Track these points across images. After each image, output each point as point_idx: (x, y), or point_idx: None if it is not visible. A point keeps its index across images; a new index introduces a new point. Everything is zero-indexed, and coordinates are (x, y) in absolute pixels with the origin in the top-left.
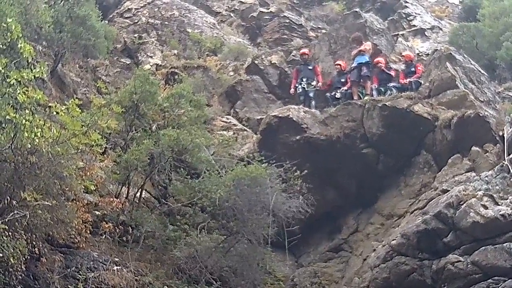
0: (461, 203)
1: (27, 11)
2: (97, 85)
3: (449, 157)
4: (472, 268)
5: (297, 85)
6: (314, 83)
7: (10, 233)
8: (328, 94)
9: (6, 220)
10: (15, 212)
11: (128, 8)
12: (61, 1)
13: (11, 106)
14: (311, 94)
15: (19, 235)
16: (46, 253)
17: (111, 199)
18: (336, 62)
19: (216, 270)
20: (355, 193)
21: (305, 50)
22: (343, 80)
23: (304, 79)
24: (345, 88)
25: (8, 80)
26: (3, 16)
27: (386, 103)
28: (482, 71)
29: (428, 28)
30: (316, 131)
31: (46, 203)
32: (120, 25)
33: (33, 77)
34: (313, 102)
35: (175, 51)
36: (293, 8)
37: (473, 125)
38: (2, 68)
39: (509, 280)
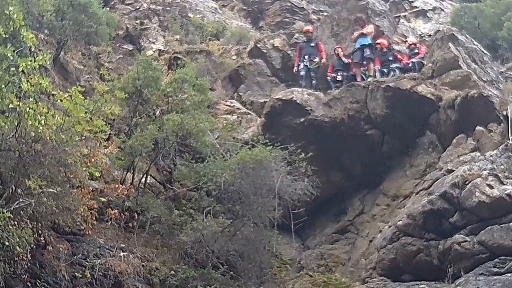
0: (466, 183)
1: (28, 0)
2: (100, 72)
3: (454, 137)
4: (479, 247)
5: (299, 62)
6: (316, 59)
7: (15, 222)
8: (328, 77)
9: (12, 208)
10: (20, 200)
11: None
12: None
13: (14, 95)
14: (312, 74)
15: (25, 223)
16: (52, 241)
17: (116, 186)
18: (336, 47)
19: (223, 254)
20: (360, 175)
21: (309, 28)
22: (344, 62)
23: (306, 57)
24: (345, 74)
25: (12, 69)
26: (5, 5)
27: (390, 84)
28: (485, 51)
29: (429, 9)
30: (320, 113)
31: (51, 190)
32: (121, 12)
33: (37, 66)
34: (314, 82)
35: (177, 36)
36: None
37: (477, 105)
38: (10, 55)
39: None
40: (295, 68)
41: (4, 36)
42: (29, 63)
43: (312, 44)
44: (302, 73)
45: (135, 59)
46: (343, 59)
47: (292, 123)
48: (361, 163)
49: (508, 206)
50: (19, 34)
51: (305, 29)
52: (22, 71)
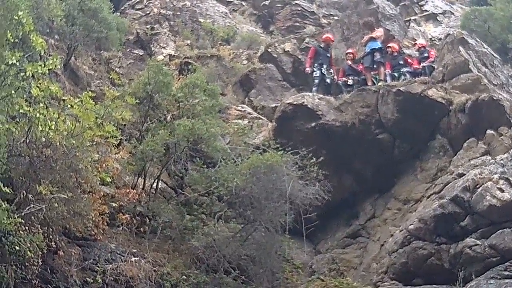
0: (477, 187)
1: (38, 5)
2: (111, 77)
3: (464, 141)
4: (490, 251)
5: (315, 69)
6: (332, 70)
7: (27, 227)
8: (340, 81)
9: (23, 214)
10: (32, 206)
11: (140, 0)
12: None
13: (25, 100)
14: (328, 80)
15: (36, 228)
16: (64, 246)
17: (128, 191)
18: (347, 51)
19: (234, 259)
20: (372, 179)
21: (330, 36)
22: (354, 67)
23: (325, 66)
24: (356, 78)
25: (21, 74)
26: (15, 9)
27: (400, 88)
28: (495, 55)
29: (440, 13)
30: (331, 118)
31: (62, 196)
32: (132, 17)
33: (47, 71)
34: (327, 81)
35: (188, 41)
36: None
37: (487, 108)
38: (16, 61)
39: None
40: (308, 69)
41: (13, 41)
42: (38, 68)
43: (328, 55)
44: (316, 81)
45: (145, 64)
46: (353, 66)
47: (303, 127)
48: (372, 167)
49: None
50: (28, 39)
51: (326, 37)
52: (32, 76)
